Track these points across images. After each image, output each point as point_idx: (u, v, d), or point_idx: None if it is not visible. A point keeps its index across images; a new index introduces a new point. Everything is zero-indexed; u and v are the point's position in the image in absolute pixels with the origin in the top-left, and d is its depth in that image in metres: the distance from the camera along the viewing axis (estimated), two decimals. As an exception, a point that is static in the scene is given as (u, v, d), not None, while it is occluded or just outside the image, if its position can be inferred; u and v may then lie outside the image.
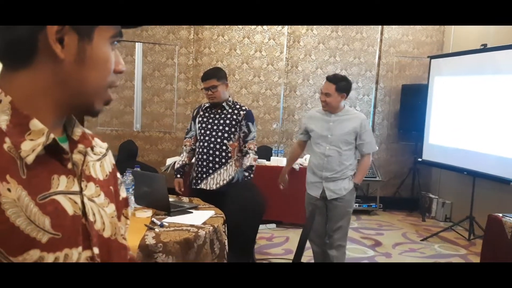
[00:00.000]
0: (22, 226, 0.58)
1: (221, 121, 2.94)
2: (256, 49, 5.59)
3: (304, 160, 4.52)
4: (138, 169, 2.67)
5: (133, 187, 2.42)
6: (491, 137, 4.28)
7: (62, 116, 0.69)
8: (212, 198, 2.70)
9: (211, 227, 2.16)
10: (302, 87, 5.67)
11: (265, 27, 5.57)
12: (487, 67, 4.38)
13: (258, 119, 5.55)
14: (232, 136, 2.92)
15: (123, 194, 0.85)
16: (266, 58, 5.60)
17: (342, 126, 2.93)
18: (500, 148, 4.16)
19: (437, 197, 5.43)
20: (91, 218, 0.69)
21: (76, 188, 0.68)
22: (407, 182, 5.66)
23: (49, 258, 0.61)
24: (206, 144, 2.94)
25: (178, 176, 3.08)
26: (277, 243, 4.20)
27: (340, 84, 2.90)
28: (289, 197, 4.23)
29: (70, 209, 0.65)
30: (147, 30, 5.42)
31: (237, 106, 2.98)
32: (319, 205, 2.99)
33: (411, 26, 5.69)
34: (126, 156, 4.09)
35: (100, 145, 0.80)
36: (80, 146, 0.71)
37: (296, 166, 4.37)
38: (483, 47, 4.58)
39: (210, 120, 2.97)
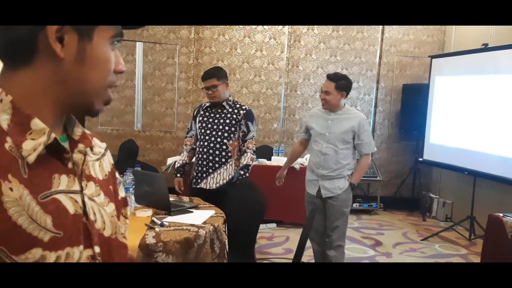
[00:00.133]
0: (24, 225, 0.59)
1: (221, 121, 2.94)
2: (257, 48, 5.58)
3: (305, 159, 4.52)
4: (139, 168, 2.68)
5: (134, 187, 2.42)
6: (492, 137, 4.28)
7: (62, 115, 0.69)
8: (212, 197, 2.70)
9: (212, 227, 2.16)
10: (303, 86, 5.67)
11: (265, 26, 5.56)
12: (488, 66, 4.37)
13: (259, 118, 5.55)
14: (232, 135, 2.92)
15: (122, 193, 0.85)
16: (267, 58, 5.59)
17: (340, 124, 2.93)
18: (501, 148, 4.15)
19: (437, 196, 5.43)
20: (91, 217, 0.70)
21: (76, 187, 0.68)
22: (408, 182, 5.65)
23: (51, 256, 0.61)
24: (206, 143, 2.95)
25: (178, 175, 3.08)
26: (277, 243, 4.20)
27: (340, 83, 2.91)
28: (289, 197, 4.23)
29: (71, 208, 0.66)
30: (148, 29, 5.42)
31: (237, 106, 2.98)
32: (318, 203, 2.99)
33: (412, 25, 5.68)
34: (126, 156, 4.09)
35: (99, 145, 0.80)
36: (81, 146, 0.71)
37: (296, 165, 4.38)
38: (484, 46, 4.57)
39: (211, 120, 2.97)
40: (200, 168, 2.97)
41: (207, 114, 3.01)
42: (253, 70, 5.60)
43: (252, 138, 2.95)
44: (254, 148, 2.96)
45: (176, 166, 3.14)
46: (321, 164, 2.97)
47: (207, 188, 2.94)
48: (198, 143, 3.02)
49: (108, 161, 0.81)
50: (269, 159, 4.82)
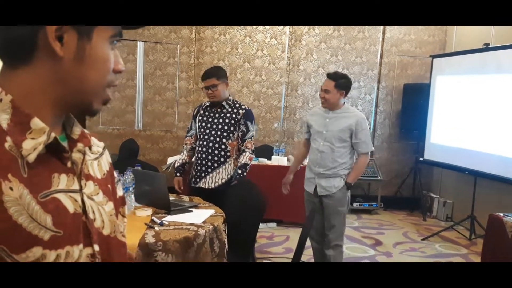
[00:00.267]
0: (24, 224, 0.59)
1: (221, 120, 2.95)
2: (258, 48, 5.58)
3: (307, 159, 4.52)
4: (139, 167, 2.68)
5: (134, 186, 2.42)
6: (493, 137, 4.27)
7: (61, 114, 0.70)
8: (211, 197, 2.71)
9: (211, 226, 2.17)
10: (303, 86, 5.67)
11: (266, 26, 5.56)
12: (489, 66, 4.37)
13: (259, 118, 5.55)
14: (231, 135, 2.93)
15: (119, 192, 0.85)
16: (268, 57, 5.59)
17: (338, 123, 2.94)
18: (502, 147, 4.15)
19: (438, 196, 5.43)
20: (91, 216, 0.70)
21: (76, 186, 0.68)
22: (408, 182, 5.65)
23: (51, 255, 0.62)
24: (205, 143, 2.95)
25: (178, 174, 3.09)
26: (277, 242, 4.21)
27: (340, 81, 2.92)
28: (289, 196, 4.21)
29: (71, 207, 0.66)
30: (149, 29, 5.43)
31: (237, 105, 2.98)
32: (316, 202, 3.00)
33: (413, 25, 5.67)
34: (127, 155, 4.10)
35: (97, 144, 0.80)
36: (80, 145, 0.71)
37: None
38: (485, 46, 4.57)
39: (210, 119, 2.98)
40: (199, 168, 2.98)
41: (206, 113, 3.01)
42: (254, 69, 5.60)
43: (251, 138, 2.95)
44: (253, 148, 2.97)
45: (176, 165, 3.14)
46: (318, 162, 2.98)
47: (206, 187, 2.94)
48: (197, 143, 3.02)
49: (106, 160, 0.82)
50: (269, 158, 4.82)
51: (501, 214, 2.81)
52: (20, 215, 0.59)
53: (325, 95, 2.94)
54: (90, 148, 0.75)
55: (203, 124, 2.99)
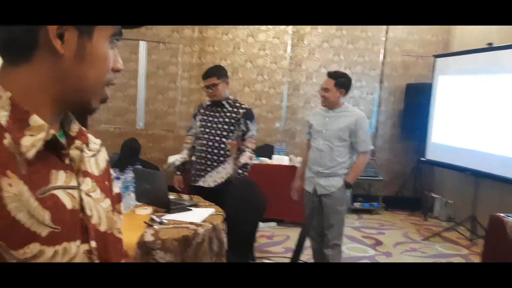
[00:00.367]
0: (23, 220, 0.59)
1: (221, 119, 2.96)
2: (260, 47, 5.59)
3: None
4: (139, 166, 2.69)
5: (134, 184, 2.43)
6: (495, 137, 4.26)
7: (59, 112, 0.70)
8: (210, 195, 2.72)
9: (210, 225, 2.17)
10: (305, 86, 5.67)
11: (269, 26, 5.57)
12: (492, 66, 4.35)
13: (261, 117, 5.55)
14: (231, 134, 2.94)
15: (115, 189, 0.86)
16: (270, 57, 5.60)
17: (337, 122, 2.95)
18: (504, 148, 4.13)
19: (439, 196, 5.41)
20: (88, 212, 0.71)
21: (74, 183, 0.69)
22: (410, 182, 5.64)
23: (49, 251, 0.62)
24: (205, 141, 2.96)
25: (178, 173, 3.10)
26: (277, 242, 4.21)
27: (340, 80, 2.93)
28: (290, 196, 4.22)
29: (69, 204, 0.67)
30: (151, 28, 5.44)
31: (237, 104, 2.99)
32: (315, 201, 3.00)
33: (416, 25, 5.66)
34: (128, 154, 4.12)
35: (94, 141, 0.81)
36: (77, 142, 0.72)
37: (298, 164, 4.38)
38: (488, 46, 4.55)
39: (210, 118, 2.99)
40: (198, 166, 2.99)
41: (207, 112, 3.02)
42: (256, 69, 5.61)
43: (251, 137, 2.95)
44: (253, 147, 2.97)
45: (176, 164, 3.15)
46: (317, 161, 2.99)
47: (205, 186, 2.95)
48: (197, 142, 3.03)
49: (103, 157, 0.82)
50: (270, 158, 4.83)
51: (502, 215, 2.80)
52: (19, 212, 0.59)
53: (325, 94, 2.95)
54: (87, 145, 0.75)
55: (203, 123, 3.00)
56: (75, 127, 0.74)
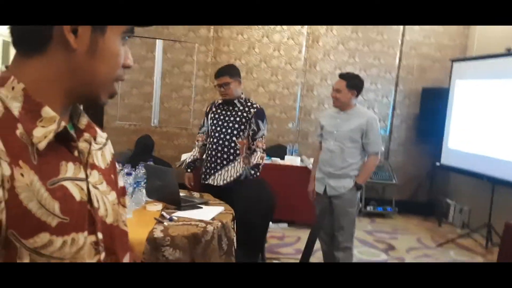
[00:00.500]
0: (33, 209, 0.60)
1: (231, 118, 2.96)
2: (275, 48, 5.58)
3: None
4: (151, 162, 2.71)
5: (145, 180, 2.45)
6: (512, 143, 4.17)
7: (69, 105, 0.71)
8: (219, 194, 2.72)
9: (220, 223, 2.17)
10: (319, 87, 5.64)
11: (284, 26, 5.56)
12: (510, 71, 4.26)
13: (274, 118, 5.54)
14: (241, 133, 2.94)
15: (121, 183, 0.87)
16: (284, 58, 5.59)
17: (349, 123, 2.94)
18: (522, 154, 4.04)
19: (454, 202, 5.32)
20: (95, 204, 0.71)
21: (82, 175, 0.70)
22: (424, 186, 5.56)
23: (58, 241, 0.63)
24: (215, 140, 2.97)
25: (189, 170, 3.11)
26: (288, 243, 4.19)
27: (351, 81, 2.93)
28: (301, 197, 4.20)
29: (77, 195, 0.68)
30: (168, 27, 5.48)
31: (248, 104, 2.99)
32: (325, 202, 2.98)
33: (434, 28, 5.59)
34: (141, 150, 4.16)
35: (101, 135, 0.82)
36: (86, 135, 0.73)
37: (310, 165, 4.36)
38: (507, 51, 4.46)
39: (221, 117, 2.99)
40: (208, 164, 3.00)
41: (218, 111, 3.03)
42: (270, 69, 5.60)
43: (262, 137, 2.95)
44: (264, 147, 2.97)
45: (187, 161, 3.17)
46: (328, 162, 2.98)
47: (215, 184, 2.96)
48: (208, 140, 3.04)
49: (109, 150, 0.83)
50: (282, 158, 4.81)
51: (518, 222, 2.74)
52: (30, 201, 0.60)
53: (336, 95, 2.95)
54: (95, 139, 0.76)
55: (215, 121, 3.01)
56: (84, 120, 0.75)
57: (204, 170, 3.04)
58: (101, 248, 0.72)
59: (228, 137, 2.94)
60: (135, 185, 2.32)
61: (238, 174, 2.94)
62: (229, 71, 2.95)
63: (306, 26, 5.54)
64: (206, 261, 2.04)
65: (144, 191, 2.42)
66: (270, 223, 4.29)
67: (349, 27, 5.56)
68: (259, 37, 5.57)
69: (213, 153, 2.97)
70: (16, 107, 0.63)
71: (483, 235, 4.53)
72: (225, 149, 2.94)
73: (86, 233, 0.68)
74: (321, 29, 5.56)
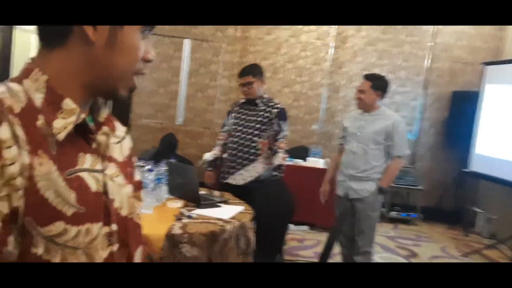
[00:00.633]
0: (50, 198, 0.62)
1: (253, 118, 2.96)
2: (302, 48, 5.55)
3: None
4: (173, 160, 2.74)
5: (166, 177, 2.48)
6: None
7: (89, 97, 0.73)
8: (239, 193, 2.72)
9: (238, 222, 2.18)
10: (346, 89, 5.57)
11: (312, 27, 5.52)
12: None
13: (298, 119, 5.52)
14: (262, 133, 2.93)
15: (137, 177, 0.88)
16: (311, 58, 5.55)
17: (373, 124, 2.89)
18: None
19: (482, 211, 5.14)
20: (111, 196, 0.73)
21: (99, 167, 0.71)
22: (451, 193, 5.40)
23: (73, 231, 0.65)
24: (236, 139, 2.98)
25: (210, 169, 3.14)
26: (308, 246, 4.16)
27: (376, 82, 2.89)
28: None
29: (93, 186, 0.69)
30: (196, 27, 5.54)
31: (271, 104, 2.99)
32: (347, 206, 2.94)
33: (466, 30, 5.43)
34: (166, 148, 4.23)
35: (120, 129, 0.83)
36: (105, 128, 0.75)
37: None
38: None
39: (243, 116, 3.00)
40: (229, 163, 3.01)
41: (241, 110, 3.04)
42: (296, 70, 5.58)
43: (284, 138, 2.94)
44: (286, 148, 2.96)
45: (208, 159, 3.20)
46: (350, 164, 2.93)
47: (234, 183, 2.97)
48: (229, 139, 3.06)
49: (128, 144, 0.84)
50: (305, 159, 4.78)
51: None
52: (47, 190, 0.62)
53: (361, 95, 2.91)
54: (113, 132, 0.78)
55: (237, 120, 3.02)
56: (103, 113, 0.76)
57: (224, 169, 3.06)
58: (114, 239, 0.73)
59: (249, 136, 2.95)
60: (156, 182, 2.36)
61: (258, 174, 2.94)
62: (252, 71, 2.96)
63: (334, 27, 5.49)
64: (223, 259, 2.05)
65: (165, 187, 2.45)
66: (291, 225, 4.29)
67: (378, 28, 5.47)
68: (287, 38, 5.55)
69: (234, 152, 2.99)
70: (38, 98, 0.65)
71: (511, 247, 4.37)
72: (246, 149, 2.95)
73: (100, 224, 0.70)
74: (350, 30, 5.50)
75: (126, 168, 0.80)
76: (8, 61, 4.25)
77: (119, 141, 0.81)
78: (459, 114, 5.21)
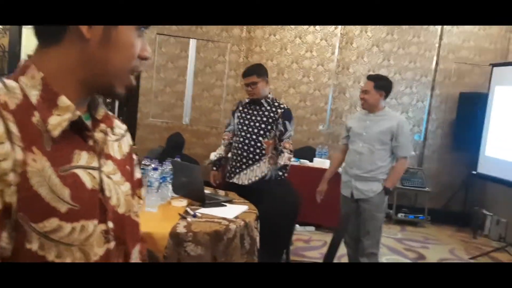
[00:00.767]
0: (43, 194, 0.62)
1: (258, 118, 2.95)
2: (307, 49, 5.53)
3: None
4: (178, 159, 2.73)
5: (171, 176, 2.47)
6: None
7: (85, 95, 0.72)
8: (244, 193, 2.71)
9: (243, 222, 2.16)
10: (352, 89, 5.54)
11: (317, 27, 5.50)
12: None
13: (304, 119, 5.49)
14: (267, 133, 2.92)
15: (138, 175, 0.87)
16: (317, 59, 5.53)
17: (378, 125, 2.89)
18: None
19: (491, 214, 5.08)
20: (107, 193, 0.72)
21: (95, 164, 0.71)
22: (459, 195, 5.34)
23: (67, 227, 0.64)
24: (241, 139, 2.97)
25: (214, 168, 3.13)
26: (314, 246, 4.14)
27: (379, 82, 2.90)
28: (329, 201, 4.13)
29: (88, 183, 0.68)
30: (202, 27, 5.54)
31: (275, 104, 2.98)
32: (352, 206, 2.93)
33: (474, 31, 5.38)
34: (172, 148, 4.22)
35: (120, 127, 0.82)
36: (102, 126, 0.74)
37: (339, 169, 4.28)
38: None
39: (248, 116, 2.99)
40: (234, 163, 3.01)
41: (245, 110, 3.03)
42: (301, 70, 5.56)
43: (289, 138, 2.93)
44: (291, 148, 2.94)
45: (213, 159, 3.19)
46: (356, 164, 2.92)
47: (239, 183, 2.96)
48: (234, 138, 3.05)
49: (127, 142, 0.84)
50: (311, 160, 4.76)
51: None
52: (41, 186, 0.61)
53: (364, 96, 2.93)
54: (112, 130, 0.77)
55: (241, 120, 3.01)
56: (101, 111, 0.75)
57: (229, 168, 3.05)
58: (110, 237, 0.72)
59: (254, 136, 2.93)
60: (161, 180, 2.35)
61: (263, 174, 2.93)
62: (256, 71, 2.95)
63: (340, 27, 5.46)
64: (228, 259, 2.04)
65: (170, 186, 2.44)
66: (297, 225, 4.27)
67: (384, 29, 5.43)
68: (292, 38, 5.54)
69: (239, 152, 2.98)
70: (34, 95, 0.64)
71: (521, 249, 4.31)
72: (251, 149, 2.94)
73: (96, 221, 0.69)
74: (355, 30, 5.47)
75: (124, 166, 0.79)
76: (18, 59, 4.30)
77: (118, 139, 0.80)
78: (467, 115, 5.15)
